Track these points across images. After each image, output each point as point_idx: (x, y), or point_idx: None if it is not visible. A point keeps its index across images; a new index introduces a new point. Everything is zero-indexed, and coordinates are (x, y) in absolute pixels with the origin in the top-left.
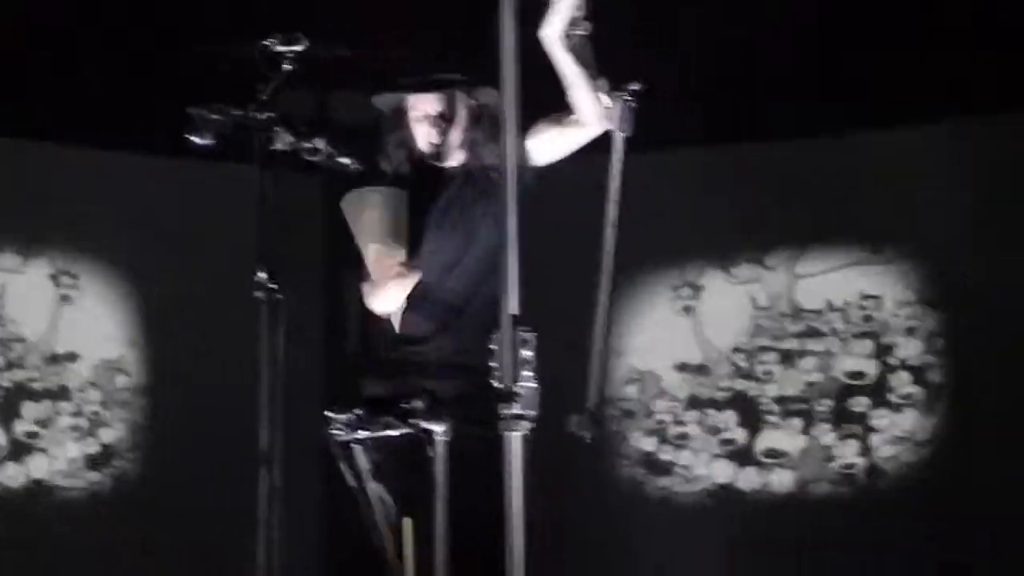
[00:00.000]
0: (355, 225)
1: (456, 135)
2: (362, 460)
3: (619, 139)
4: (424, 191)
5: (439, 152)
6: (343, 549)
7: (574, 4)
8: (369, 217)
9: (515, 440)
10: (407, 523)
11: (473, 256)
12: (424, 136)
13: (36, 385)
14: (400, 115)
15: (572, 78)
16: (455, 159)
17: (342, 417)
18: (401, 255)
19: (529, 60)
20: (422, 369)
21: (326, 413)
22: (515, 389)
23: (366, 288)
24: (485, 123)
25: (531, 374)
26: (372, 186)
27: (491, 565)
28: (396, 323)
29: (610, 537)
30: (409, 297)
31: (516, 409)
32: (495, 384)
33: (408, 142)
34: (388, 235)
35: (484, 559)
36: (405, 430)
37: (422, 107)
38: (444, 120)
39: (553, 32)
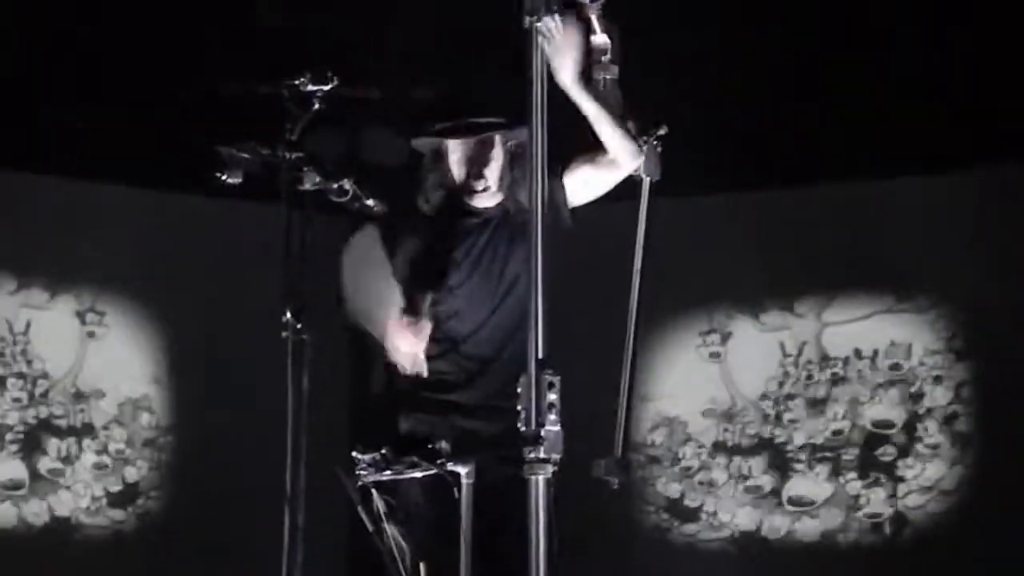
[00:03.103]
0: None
1: (494, 176)
2: (380, 504)
3: (646, 183)
4: (461, 233)
5: (477, 192)
6: None
7: (574, 43)
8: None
9: (539, 483)
10: (423, 568)
11: (508, 306)
12: (462, 177)
13: (61, 422)
14: (439, 157)
15: (597, 118)
16: (493, 200)
17: (367, 457)
18: (397, 301)
19: (566, 98)
20: (450, 411)
21: (352, 454)
22: (540, 432)
23: (391, 332)
24: (523, 164)
25: (556, 417)
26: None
27: None
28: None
29: None
30: (439, 346)
31: (540, 452)
32: (520, 427)
33: (447, 183)
34: (381, 289)
35: None
36: (431, 471)
37: (460, 149)
38: (482, 162)
39: (567, 76)
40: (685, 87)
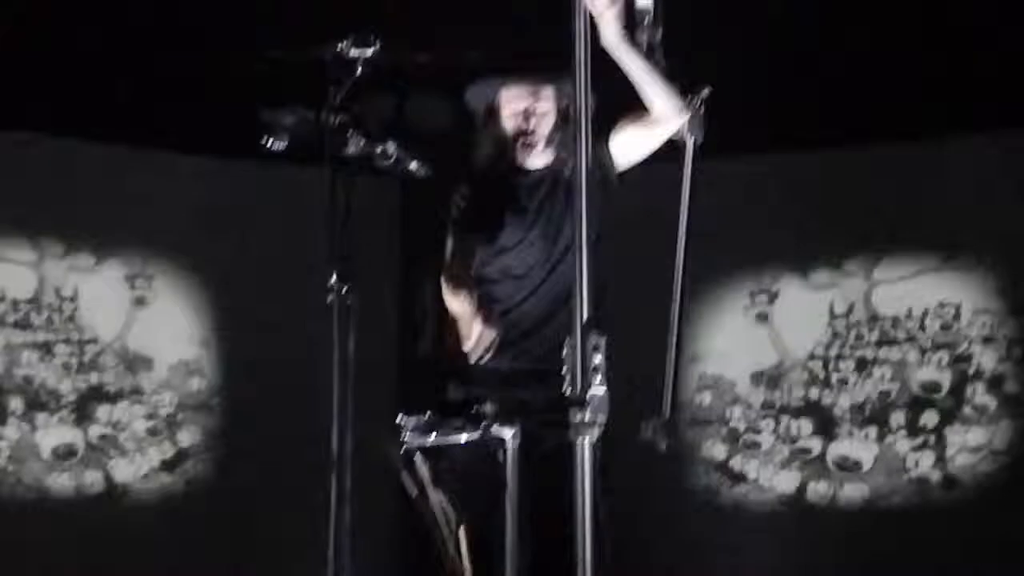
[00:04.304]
0: None
1: (546, 132)
2: (424, 469)
3: (690, 145)
4: (513, 190)
5: (529, 149)
6: (413, 552)
7: (617, 6)
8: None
9: (585, 446)
10: (463, 534)
11: (562, 270)
12: (516, 133)
13: (110, 387)
14: (492, 112)
15: (642, 77)
16: (545, 159)
17: (412, 422)
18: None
19: (610, 59)
20: (498, 376)
21: (398, 419)
22: (585, 395)
23: (445, 288)
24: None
25: (602, 380)
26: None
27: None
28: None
29: (684, 544)
30: (487, 312)
31: (586, 415)
32: (566, 390)
33: (499, 139)
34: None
35: (555, 564)
36: (475, 435)
37: (514, 104)
38: (535, 116)
39: (611, 38)
40: (729, 47)
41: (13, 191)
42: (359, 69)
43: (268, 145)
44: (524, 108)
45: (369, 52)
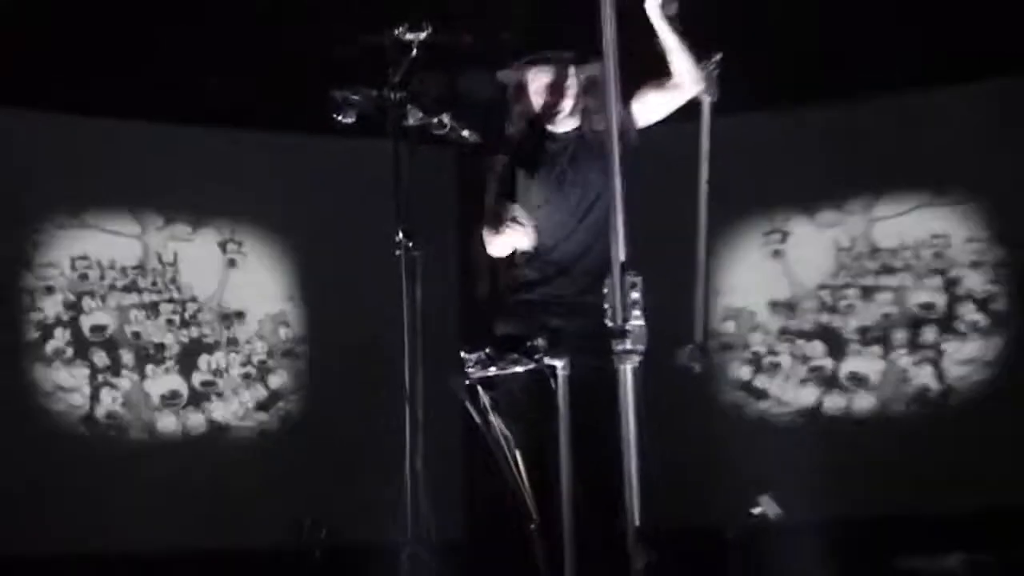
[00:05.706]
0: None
1: (569, 103)
2: (485, 399)
3: (707, 103)
4: (543, 154)
5: (555, 118)
6: (480, 474)
7: None
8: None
9: (627, 372)
10: (519, 454)
11: (589, 222)
12: (542, 105)
13: (210, 340)
14: (521, 88)
15: (672, 44)
16: (570, 125)
17: (474, 356)
18: (511, 211)
19: (629, 35)
20: (544, 310)
21: (461, 353)
22: (626, 327)
23: (485, 235)
24: (595, 92)
25: (639, 313)
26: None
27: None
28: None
29: (715, 455)
30: (526, 257)
31: (627, 345)
32: (608, 323)
33: (529, 111)
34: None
35: (600, 477)
36: (530, 366)
37: (540, 80)
38: (558, 90)
39: (653, 7)
40: (736, 16)
41: (119, 173)
42: (415, 51)
43: (339, 121)
44: (549, 82)
45: (423, 35)
